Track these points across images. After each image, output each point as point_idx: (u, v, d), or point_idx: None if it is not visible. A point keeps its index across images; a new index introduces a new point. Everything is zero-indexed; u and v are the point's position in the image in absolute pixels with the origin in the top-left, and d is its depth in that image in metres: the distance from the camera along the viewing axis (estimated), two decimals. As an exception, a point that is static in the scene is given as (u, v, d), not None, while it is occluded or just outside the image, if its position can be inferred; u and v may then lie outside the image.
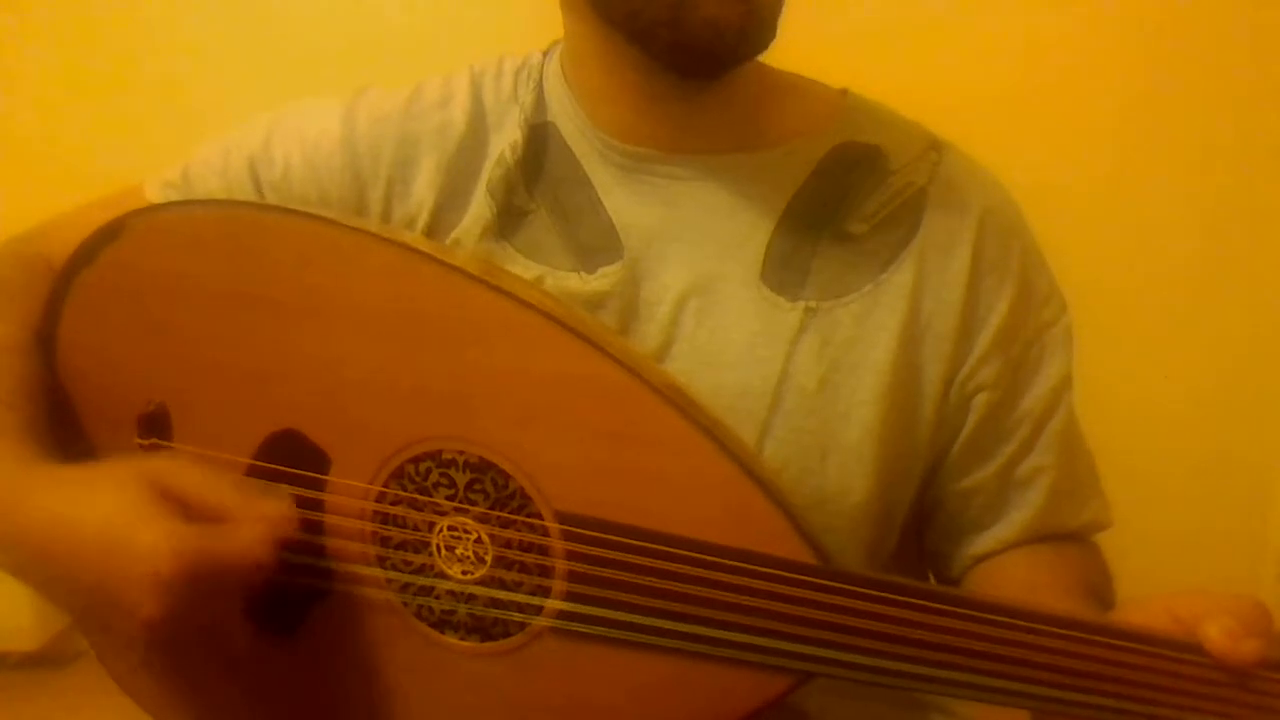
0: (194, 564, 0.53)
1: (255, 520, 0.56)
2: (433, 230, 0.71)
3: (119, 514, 0.54)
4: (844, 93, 0.74)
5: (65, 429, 0.66)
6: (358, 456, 0.62)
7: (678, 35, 0.61)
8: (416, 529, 0.62)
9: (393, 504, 0.62)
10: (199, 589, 0.53)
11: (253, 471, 0.64)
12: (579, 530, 0.59)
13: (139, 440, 0.66)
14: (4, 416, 0.61)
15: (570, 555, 0.59)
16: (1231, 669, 0.51)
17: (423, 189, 0.71)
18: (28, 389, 0.63)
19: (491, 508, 0.61)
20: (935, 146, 0.72)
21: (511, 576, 0.61)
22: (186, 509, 0.55)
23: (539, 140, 0.71)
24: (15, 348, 0.65)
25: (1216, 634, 0.51)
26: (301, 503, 0.63)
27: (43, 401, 0.64)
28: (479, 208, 0.70)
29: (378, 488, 0.62)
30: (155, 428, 0.66)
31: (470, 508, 0.61)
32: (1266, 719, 0.52)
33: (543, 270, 0.69)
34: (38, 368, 0.65)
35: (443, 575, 0.62)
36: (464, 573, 0.62)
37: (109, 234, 0.66)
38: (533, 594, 0.60)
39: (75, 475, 0.58)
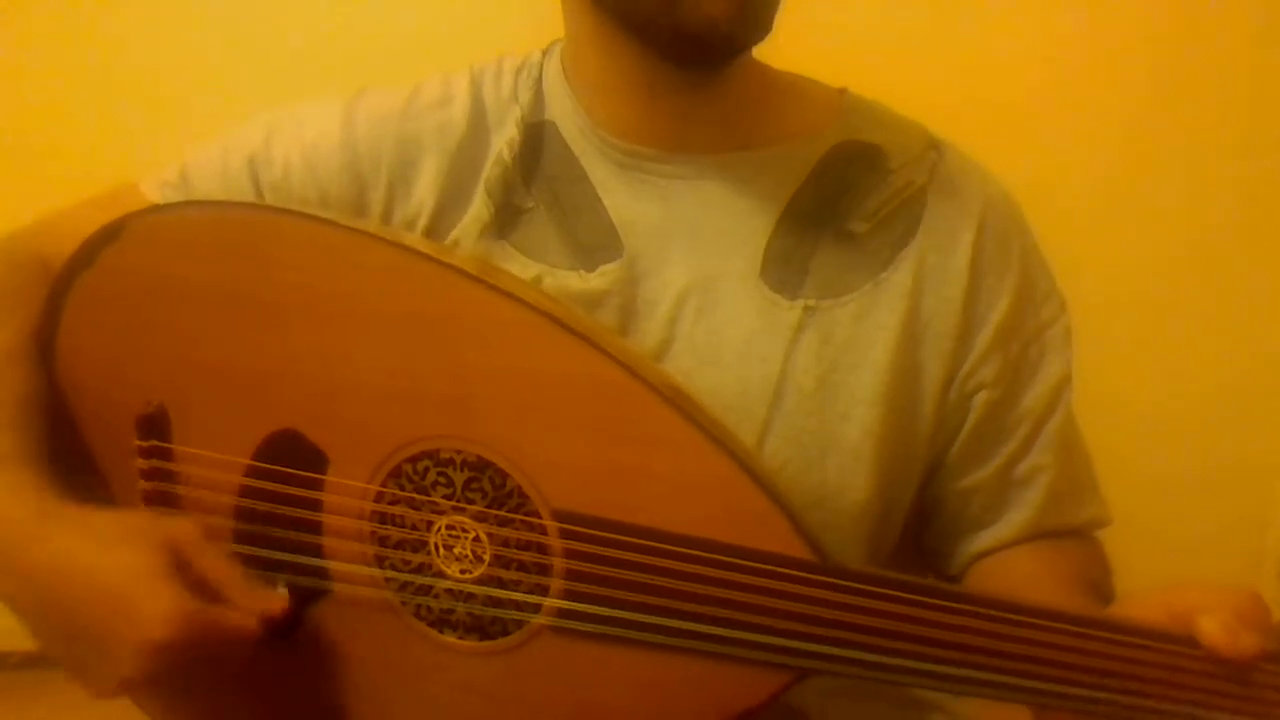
0: (188, 635, 0.55)
1: (251, 605, 0.59)
2: (433, 230, 0.71)
3: (131, 570, 0.56)
4: (843, 92, 0.74)
5: (65, 432, 0.66)
6: (356, 456, 0.62)
7: (671, 23, 0.61)
8: (415, 528, 0.62)
9: (391, 503, 0.62)
10: (183, 656, 0.55)
11: (252, 472, 0.64)
12: (577, 528, 0.59)
13: (138, 441, 0.66)
14: (7, 438, 0.61)
15: (568, 553, 0.59)
16: (1228, 663, 0.51)
17: (423, 189, 0.71)
18: (29, 401, 0.63)
19: (489, 506, 0.61)
20: (934, 145, 0.72)
21: (510, 575, 0.61)
22: (193, 581, 0.57)
23: (537, 138, 0.71)
24: (14, 355, 0.64)
25: (1213, 628, 0.51)
26: (300, 502, 0.63)
27: (43, 411, 0.64)
28: (478, 207, 0.70)
29: (376, 487, 0.62)
30: (154, 429, 0.66)
31: (468, 506, 0.61)
32: (1265, 710, 0.52)
33: (542, 268, 0.69)
34: (37, 375, 0.65)
35: (441, 574, 0.62)
36: (462, 571, 0.62)
37: (108, 235, 0.66)
38: (531, 592, 0.60)
39: (95, 523, 0.59)
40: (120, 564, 0.56)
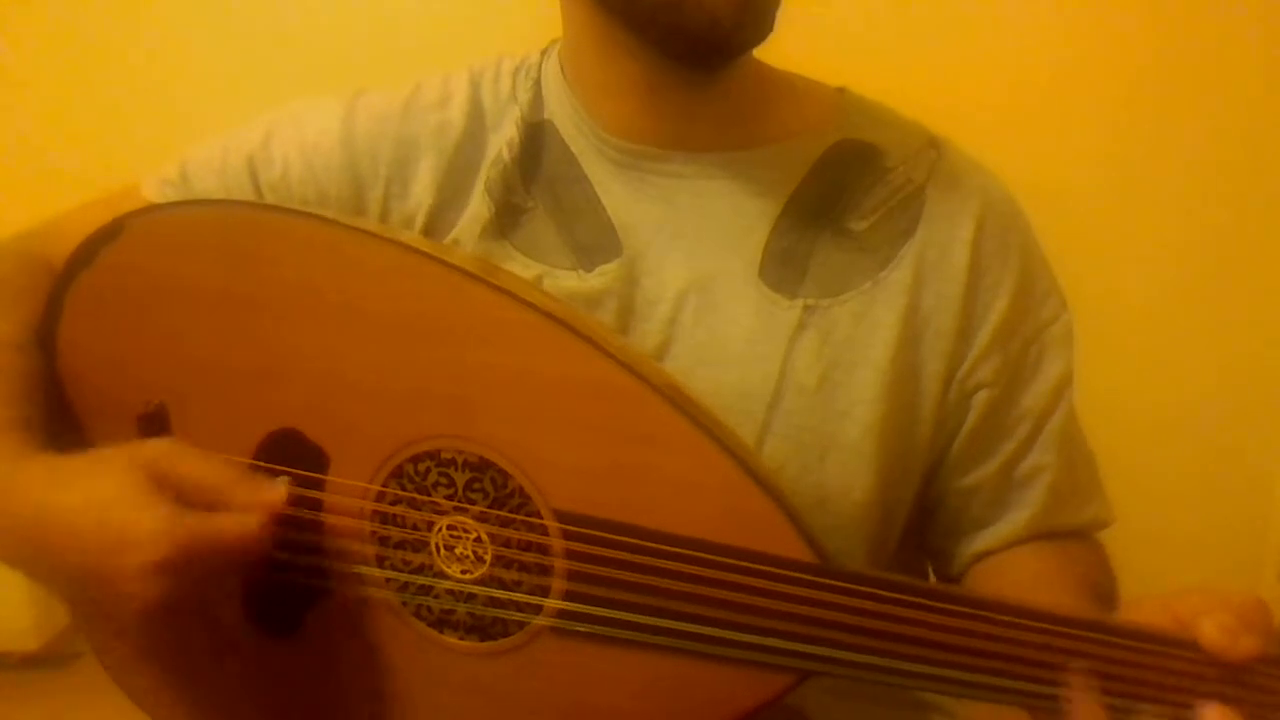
0: (187, 548, 0.53)
1: (250, 504, 0.56)
2: (431, 230, 0.71)
3: (113, 500, 0.54)
4: (841, 91, 0.74)
5: (65, 429, 0.66)
6: (357, 456, 0.62)
7: (674, 20, 0.61)
8: (415, 528, 0.62)
9: (392, 503, 0.62)
10: (192, 573, 0.53)
11: (252, 471, 0.64)
12: (578, 529, 0.59)
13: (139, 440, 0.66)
14: (5, 410, 0.61)
15: (570, 554, 0.59)
16: (1228, 665, 0.51)
17: (421, 189, 0.71)
18: (27, 387, 0.63)
19: (491, 507, 0.61)
20: (933, 144, 0.72)
21: (511, 576, 0.61)
22: (181, 494, 0.55)
23: (536, 138, 0.71)
24: (15, 346, 0.65)
25: (1213, 630, 0.51)
26: (300, 502, 0.63)
27: (42, 399, 0.64)
28: (477, 207, 0.70)
29: (377, 487, 0.62)
30: (155, 428, 0.66)
31: (469, 507, 0.61)
32: (1265, 713, 0.52)
33: (541, 269, 0.69)
34: (37, 366, 0.65)
35: (442, 574, 0.62)
36: (463, 572, 0.62)
37: (108, 234, 0.66)
38: (532, 593, 0.60)
39: (70, 464, 0.58)
40: (97, 495, 0.55)
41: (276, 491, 0.58)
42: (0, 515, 0.58)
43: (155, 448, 0.58)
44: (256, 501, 0.56)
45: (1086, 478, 0.73)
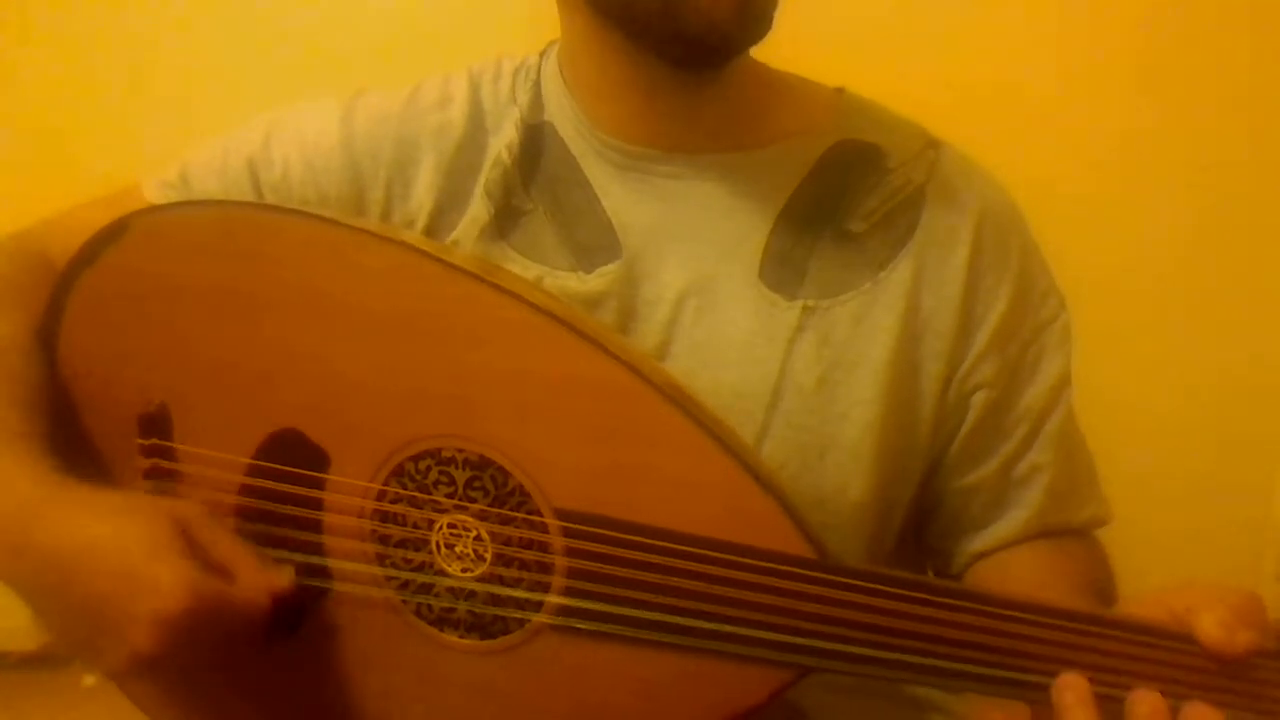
0: (196, 607, 0.54)
1: (260, 583, 0.58)
2: (431, 231, 0.71)
3: (140, 545, 0.55)
4: (840, 91, 0.74)
5: (67, 429, 0.66)
6: (358, 455, 0.62)
7: (671, 26, 0.61)
8: (416, 527, 0.62)
9: (392, 502, 0.62)
10: (192, 634, 0.54)
11: (253, 470, 0.64)
12: (578, 527, 0.59)
13: (140, 440, 0.66)
14: (10, 421, 0.61)
15: (570, 552, 0.59)
16: (1225, 659, 0.51)
17: (421, 190, 0.71)
18: (31, 389, 0.63)
19: (491, 505, 0.61)
20: (933, 145, 0.72)
21: (511, 574, 0.61)
22: (200, 557, 0.57)
23: (536, 140, 0.71)
24: (17, 347, 0.65)
25: (1210, 625, 0.51)
26: (301, 501, 0.63)
27: (45, 402, 0.64)
28: (477, 209, 0.70)
29: (378, 486, 0.62)
30: (156, 427, 0.66)
31: (470, 505, 0.61)
32: (1261, 706, 0.52)
33: (541, 270, 0.69)
34: (40, 368, 0.65)
35: (442, 573, 0.62)
36: (464, 570, 0.62)
37: (111, 235, 0.66)
38: (532, 591, 0.61)
39: (99, 500, 0.58)
40: (127, 538, 0.56)
41: (284, 578, 0.61)
42: (14, 534, 0.57)
43: (188, 508, 0.60)
44: (266, 582, 0.59)
45: (1084, 477, 0.73)
